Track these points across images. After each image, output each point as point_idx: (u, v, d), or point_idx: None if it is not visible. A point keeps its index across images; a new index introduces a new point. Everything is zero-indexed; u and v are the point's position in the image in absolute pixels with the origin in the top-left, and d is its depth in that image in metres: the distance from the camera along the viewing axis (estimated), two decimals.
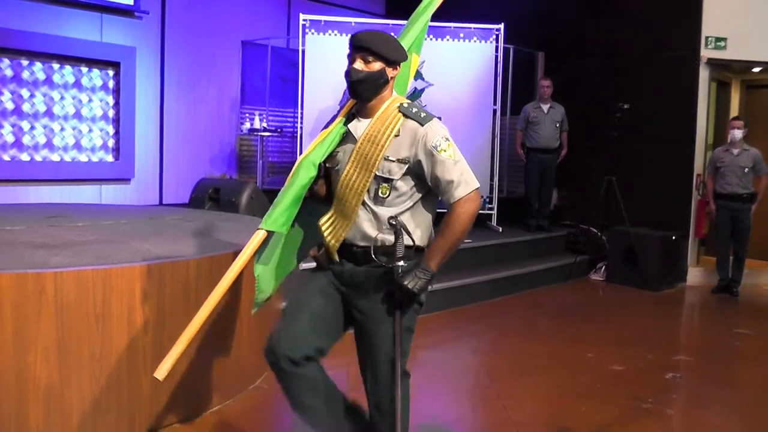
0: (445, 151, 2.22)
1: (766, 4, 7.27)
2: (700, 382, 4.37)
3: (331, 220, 2.34)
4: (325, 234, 2.34)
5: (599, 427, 3.45)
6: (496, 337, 5.26)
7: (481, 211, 7.59)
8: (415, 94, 7.58)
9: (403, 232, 2.20)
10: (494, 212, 7.66)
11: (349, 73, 2.26)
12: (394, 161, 2.24)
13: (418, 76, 7.56)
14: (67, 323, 2.84)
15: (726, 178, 6.87)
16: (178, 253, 3.38)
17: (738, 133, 6.85)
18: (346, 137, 2.36)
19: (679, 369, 4.58)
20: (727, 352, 5.14)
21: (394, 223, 2.18)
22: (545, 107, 7.63)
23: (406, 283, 2.17)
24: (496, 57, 7.55)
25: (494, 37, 7.52)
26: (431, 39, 7.52)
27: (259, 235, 2.39)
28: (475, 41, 7.51)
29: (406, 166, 2.24)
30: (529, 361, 4.55)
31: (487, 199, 7.69)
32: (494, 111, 7.61)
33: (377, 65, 2.24)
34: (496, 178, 7.66)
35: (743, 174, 6.81)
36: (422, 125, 2.24)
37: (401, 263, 2.19)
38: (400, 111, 2.28)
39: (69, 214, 4.91)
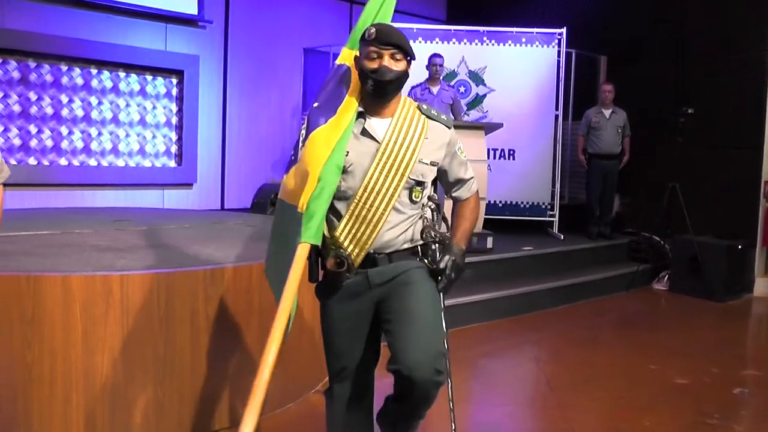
0: (463, 152, 2.41)
1: None
2: None
3: (349, 228, 2.20)
4: (345, 244, 2.20)
5: None
6: (558, 345, 5.17)
7: (542, 218, 7.62)
8: (476, 100, 7.55)
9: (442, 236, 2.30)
10: (555, 219, 7.56)
11: (379, 71, 2.14)
12: (427, 164, 2.27)
13: (480, 81, 7.53)
14: (132, 324, 2.92)
15: None
16: (240, 258, 3.43)
17: None
18: (359, 136, 2.22)
19: (746, 384, 4.41)
20: None
21: (434, 229, 2.30)
22: (607, 112, 7.49)
23: (452, 273, 2.27)
24: (558, 61, 7.46)
25: (556, 41, 7.44)
26: (493, 44, 7.49)
27: (305, 250, 2.08)
28: (537, 46, 7.44)
29: (436, 168, 2.32)
30: (591, 371, 4.46)
31: (549, 206, 7.59)
32: (556, 116, 7.52)
33: (403, 64, 2.18)
34: (557, 185, 7.57)
35: None
36: (449, 128, 2.34)
37: (443, 262, 2.27)
38: (422, 113, 2.29)
39: (134, 218, 5.05)
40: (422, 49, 6.83)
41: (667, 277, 7.34)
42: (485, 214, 6.16)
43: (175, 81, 7.60)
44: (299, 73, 8.58)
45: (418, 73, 6.58)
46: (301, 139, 2.24)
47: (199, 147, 7.70)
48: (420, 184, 2.25)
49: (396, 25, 7.65)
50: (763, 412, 4.00)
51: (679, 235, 7.15)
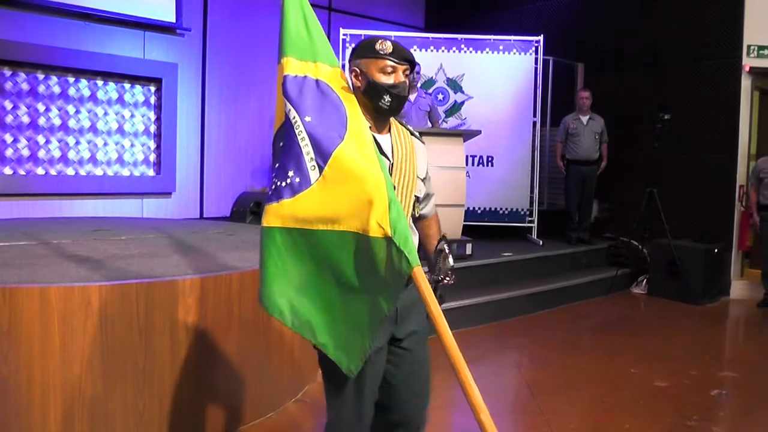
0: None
1: None
2: (747, 399, 4.26)
3: None
4: None
5: None
6: (539, 351, 5.20)
7: (521, 224, 7.66)
8: (454, 107, 7.59)
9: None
10: (534, 225, 7.62)
11: (399, 87, 2.12)
12: (421, 179, 2.29)
13: (458, 89, 7.57)
14: (111, 336, 2.89)
15: None
16: (220, 267, 3.42)
17: None
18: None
19: (724, 385, 4.47)
20: None
21: (443, 241, 2.22)
22: (585, 119, 7.56)
23: (449, 282, 2.20)
24: (536, 69, 7.53)
25: (534, 48, 7.51)
26: (471, 52, 7.54)
27: (422, 273, 1.91)
28: (514, 53, 7.50)
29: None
30: (572, 376, 4.49)
31: (528, 212, 7.64)
32: (534, 123, 7.59)
33: (407, 79, 2.17)
34: (536, 191, 7.63)
35: None
36: (423, 143, 2.35)
37: (442, 277, 2.19)
38: (404, 127, 2.29)
39: (112, 227, 5.01)
40: None
41: (645, 281, 7.41)
42: (464, 221, 6.19)
43: (153, 89, 7.55)
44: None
45: None
46: (306, 159, 1.97)
47: (177, 155, 7.65)
48: (418, 199, 2.26)
49: (374, 32, 7.71)
50: (740, 413, 4.06)
51: (657, 239, 7.23)
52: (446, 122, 7.51)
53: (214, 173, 8.01)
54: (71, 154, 6.95)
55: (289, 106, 2.04)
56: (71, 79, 6.92)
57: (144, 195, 7.46)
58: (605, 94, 7.85)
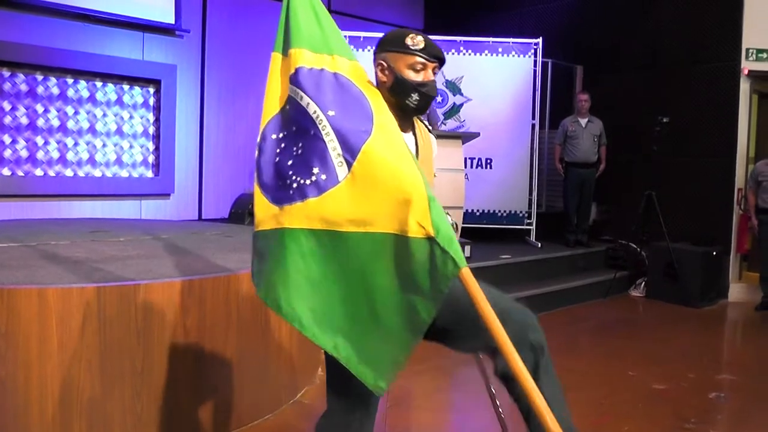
0: None
1: None
2: (745, 401, 4.26)
3: None
4: None
5: None
6: None
7: (519, 227, 7.67)
8: (453, 109, 7.60)
9: None
10: (533, 227, 7.62)
11: (429, 86, 2.04)
12: (435, 178, 2.25)
13: (457, 91, 7.58)
14: (109, 337, 2.89)
15: None
16: (219, 269, 3.42)
17: None
18: None
19: (722, 388, 4.47)
20: None
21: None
22: (583, 121, 7.57)
23: None
24: (535, 71, 7.54)
25: (533, 51, 7.52)
26: (470, 54, 7.55)
27: (470, 274, 1.77)
28: (513, 55, 7.51)
29: None
30: (570, 378, 4.47)
31: (526, 215, 7.64)
32: (532, 125, 7.59)
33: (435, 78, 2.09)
34: (534, 193, 7.63)
35: None
36: (435, 139, 2.30)
37: None
38: (423, 124, 2.25)
39: (111, 229, 5.01)
40: None
41: (643, 283, 7.42)
42: (463, 223, 6.19)
43: (152, 90, 7.55)
44: None
45: None
46: (333, 155, 1.84)
47: (176, 157, 7.65)
48: None
49: (373, 34, 7.71)
50: (738, 416, 4.06)
51: (655, 242, 7.23)
52: (445, 124, 7.51)
53: (212, 175, 8.00)
54: (70, 156, 6.95)
55: (306, 99, 1.90)
56: (70, 81, 6.92)
57: (142, 196, 7.45)
58: (604, 97, 7.86)
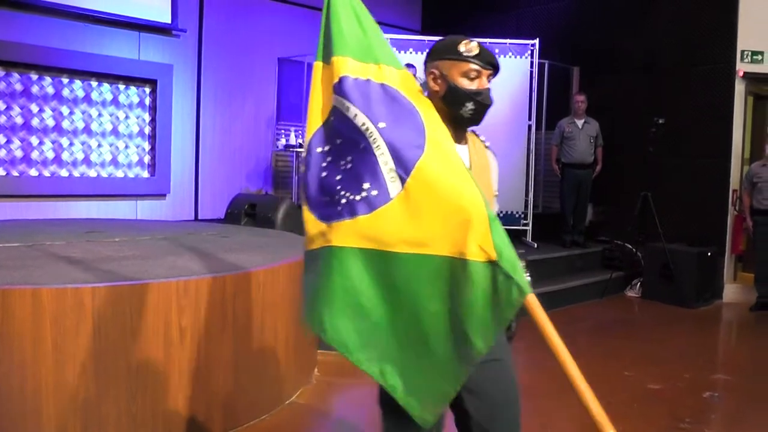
0: None
1: None
2: (740, 401, 4.27)
3: None
4: None
5: None
6: (534, 354, 5.16)
7: (516, 227, 7.67)
8: None
9: None
10: (529, 228, 7.62)
11: (484, 95, 1.94)
12: (496, 196, 2.12)
13: None
14: (104, 337, 2.88)
15: (763, 193, 6.73)
16: (214, 269, 3.41)
17: None
18: None
19: (717, 388, 4.48)
20: (766, 370, 5.02)
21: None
22: (580, 122, 7.58)
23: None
24: (531, 72, 7.54)
25: (529, 52, 7.52)
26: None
27: (536, 300, 1.70)
28: (510, 56, 7.51)
29: None
30: (567, 379, 4.49)
31: (523, 215, 7.64)
32: (529, 126, 7.59)
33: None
34: (531, 194, 7.63)
35: None
36: (495, 155, 2.18)
37: None
38: (477, 138, 2.13)
39: (106, 229, 4.99)
40: None
41: (639, 284, 7.43)
42: None
43: (148, 90, 7.54)
44: (274, 83, 8.56)
45: None
46: (385, 170, 1.72)
47: (172, 157, 7.64)
48: None
49: None
50: (732, 415, 4.07)
51: (651, 242, 7.24)
52: None
53: (208, 175, 8.00)
54: (65, 156, 6.93)
55: (354, 110, 1.78)
56: (65, 80, 6.90)
57: (138, 197, 7.44)
58: (601, 98, 7.87)
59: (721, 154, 7.37)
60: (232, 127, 8.19)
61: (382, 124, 1.75)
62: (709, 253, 7.09)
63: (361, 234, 1.71)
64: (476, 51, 1.92)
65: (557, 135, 7.70)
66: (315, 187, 1.85)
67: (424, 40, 7.57)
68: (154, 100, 7.54)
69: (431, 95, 1.96)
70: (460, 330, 1.66)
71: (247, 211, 6.26)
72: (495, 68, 1.96)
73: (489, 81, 1.95)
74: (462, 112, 1.93)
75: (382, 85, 1.83)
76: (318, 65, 1.93)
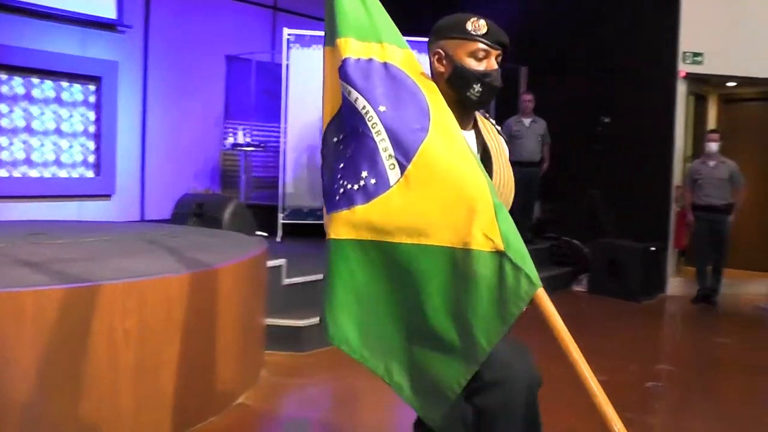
0: None
1: (740, 21, 7.39)
2: (681, 391, 4.41)
3: None
4: None
5: None
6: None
7: None
8: None
9: None
10: None
11: (492, 76, 1.83)
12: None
13: None
14: (46, 342, 2.81)
15: (704, 190, 6.95)
16: (161, 270, 3.36)
17: (714, 146, 6.94)
18: None
19: (660, 378, 4.61)
20: (707, 360, 5.19)
21: None
22: (527, 121, 7.70)
23: None
24: None
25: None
26: (415, 53, 7.57)
27: (545, 295, 1.69)
28: None
29: None
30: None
31: None
32: None
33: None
34: None
35: (720, 186, 6.89)
36: (505, 140, 2.09)
37: None
38: (489, 122, 2.03)
39: (49, 231, 4.86)
40: None
41: (586, 279, 7.58)
42: None
43: (92, 88, 7.36)
44: (221, 81, 8.46)
45: None
46: (384, 157, 1.64)
47: (118, 156, 7.48)
48: None
49: (319, 33, 7.58)
50: (674, 404, 4.20)
51: (598, 238, 7.40)
52: None
53: (155, 175, 7.86)
54: (5, 155, 6.72)
55: (355, 93, 1.69)
56: (4, 77, 6.69)
57: (82, 197, 7.27)
58: (548, 98, 8.00)
59: (664, 153, 7.58)
60: (179, 126, 8.06)
61: (382, 108, 1.67)
62: (653, 248, 7.28)
63: (357, 225, 1.63)
64: (485, 29, 1.81)
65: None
66: (327, 178, 1.79)
67: None
68: (98, 98, 7.38)
69: (435, 77, 1.85)
70: (464, 327, 1.58)
71: (194, 211, 6.16)
72: (505, 48, 1.86)
73: (498, 62, 1.85)
74: (469, 94, 1.82)
75: (385, 65, 1.76)
76: (327, 50, 1.84)
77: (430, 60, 1.88)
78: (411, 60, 1.79)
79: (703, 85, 8.20)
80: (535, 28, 8.48)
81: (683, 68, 7.46)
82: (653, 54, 7.60)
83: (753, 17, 7.38)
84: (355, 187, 1.64)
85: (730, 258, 7.17)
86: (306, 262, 5.37)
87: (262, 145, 8.17)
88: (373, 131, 1.65)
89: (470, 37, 1.80)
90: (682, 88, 7.56)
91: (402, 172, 1.61)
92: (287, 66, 7.02)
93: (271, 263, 4.70)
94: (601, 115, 7.31)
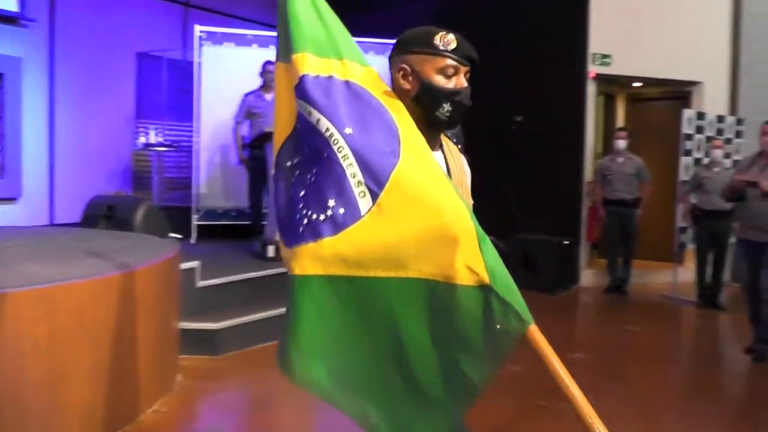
0: None
1: (646, 24, 7.74)
2: (594, 377, 4.57)
3: None
4: None
5: (499, 426, 3.56)
6: None
7: None
8: None
9: None
10: None
11: (463, 94, 1.70)
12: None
13: None
14: None
15: (613, 185, 7.23)
16: (71, 276, 3.23)
17: (622, 143, 7.24)
18: None
19: (574, 367, 4.75)
20: (618, 348, 5.43)
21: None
22: None
23: None
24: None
25: (390, 51, 7.64)
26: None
27: (538, 332, 1.57)
28: (372, 55, 7.61)
29: None
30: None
31: None
32: None
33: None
34: None
35: (629, 181, 7.19)
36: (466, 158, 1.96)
37: None
38: (449, 139, 1.90)
39: None
40: (257, 56, 6.80)
41: None
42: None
43: None
44: (132, 79, 8.21)
45: (250, 81, 6.54)
46: (353, 183, 1.50)
47: (23, 158, 7.15)
48: None
49: (231, 31, 7.48)
50: (587, 390, 4.31)
51: (513, 234, 7.59)
52: None
53: (64, 176, 7.55)
54: None
55: (316, 114, 1.56)
56: None
57: None
58: None
59: (576, 150, 7.85)
60: (88, 125, 7.77)
61: (348, 130, 1.53)
62: (566, 242, 7.53)
63: (326, 259, 1.48)
64: (454, 44, 1.69)
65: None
66: (284, 207, 1.63)
67: None
68: (1, 96, 7.03)
69: (400, 95, 1.70)
70: (452, 363, 1.47)
71: (105, 214, 5.96)
72: (474, 64, 1.74)
73: (467, 79, 1.73)
74: (438, 113, 1.68)
75: (347, 83, 1.63)
76: (280, 66, 1.74)
77: (392, 76, 1.77)
78: (373, 78, 1.69)
79: (611, 85, 8.54)
80: (450, 27, 8.59)
81: (593, 69, 7.74)
82: (564, 55, 7.85)
83: (658, 21, 7.75)
84: (322, 217, 1.49)
85: (638, 249, 7.50)
86: (221, 263, 5.29)
87: (174, 144, 7.98)
88: (339, 155, 1.51)
89: (438, 53, 1.68)
90: (591, 88, 7.84)
91: (374, 201, 1.47)
92: (199, 64, 6.89)
93: (184, 265, 4.62)
94: (514, 114, 7.49)
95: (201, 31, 6.91)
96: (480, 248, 1.45)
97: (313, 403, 3.94)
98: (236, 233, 6.89)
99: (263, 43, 7.21)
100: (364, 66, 1.69)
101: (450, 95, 1.66)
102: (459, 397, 1.49)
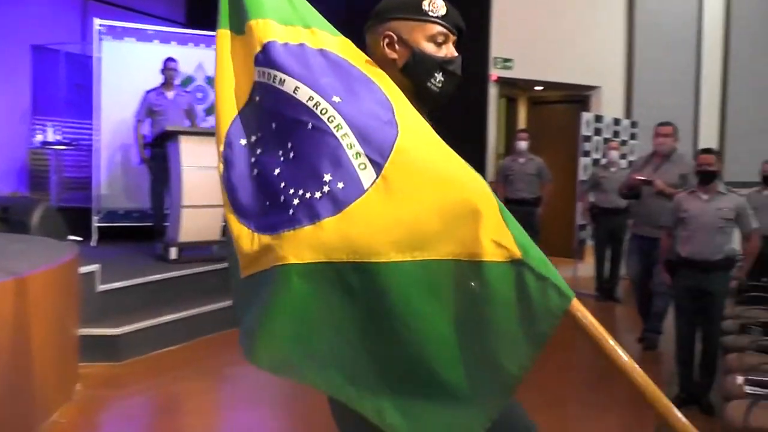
0: None
1: (547, 30, 8.04)
2: None
3: None
4: None
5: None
6: None
7: None
8: (214, 106, 7.45)
9: None
10: None
11: (456, 63, 1.59)
12: None
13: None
14: None
15: (514, 185, 7.44)
16: None
17: (523, 144, 7.46)
18: None
19: None
20: None
21: None
22: None
23: None
24: None
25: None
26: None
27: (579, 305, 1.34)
28: None
29: None
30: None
31: None
32: None
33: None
34: None
35: (530, 180, 7.42)
36: None
37: None
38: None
39: None
40: (159, 52, 6.62)
41: None
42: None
43: None
44: (28, 73, 7.82)
45: (152, 77, 6.38)
46: (350, 155, 1.30)
47: None
48: None
49: (132, 25, 7.30)
50: None
51: None
52: (206, 121, 7.31)
53: None
54: None
55: (292, 81, 1.36)
56: None
57: None
58: None
59: (479, 151, 8.05)
60: None
61: (336, 98, 1.34)
62: None
63: (329, 244, 1.27)
64: (444, 10, 1.54)
65: None
66: (246, 190, 1.41)
67: (188, 34, 7.32)
68: None
69: (385, 65, 1.50)
70: (482, 355, 1.28)
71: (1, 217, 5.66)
72: (461, 33, 1.63)
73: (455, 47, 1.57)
74: (429, 84, 1.53)
75: (322, 51, 1.44)
76: (224, 34, 1.51)
77: (371, 47, 1.57)
78: (349, 47, 1.51)
79: (513, 88, 8.81)
80: (353, 26, 8.67)
81: (495, 72, 7.96)
82: (467, 58, 8.01)
83: (558, 28, 8.06)
84: (317, 194, 1.28)
85: (540, 246, 7.74)
86: (122, 266, 5.13)
87: (73, 143, 7.67)
88: (330, 125, 1.31)
89: (428, 19, 1.52)
90: (493, 91, 8.07)
91: (378, 173, 1.28)
92: (99, 59, 6.64)
93: (84, 269, 4.45)
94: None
95: (100, 25, 6.65)
96: (504, 220, 1.30)
97: (217, 406, 3.91)
98: (138, 235, 6.69)
99: (165, 39, 7.01)
100: (336, 36, 1.53)
101: (442, 64, 1.54)
102: (492, 392, 1.29)
